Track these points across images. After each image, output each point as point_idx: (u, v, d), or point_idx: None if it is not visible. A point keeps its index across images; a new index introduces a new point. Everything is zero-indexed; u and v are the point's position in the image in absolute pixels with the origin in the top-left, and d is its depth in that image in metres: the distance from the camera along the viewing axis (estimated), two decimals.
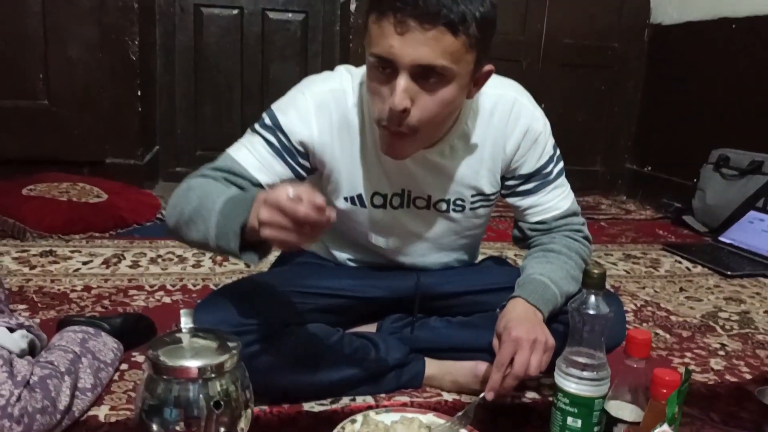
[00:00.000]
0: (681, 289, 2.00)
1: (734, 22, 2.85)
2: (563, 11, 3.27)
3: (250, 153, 1.08)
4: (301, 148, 1.09)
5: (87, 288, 1.68)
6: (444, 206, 1.18)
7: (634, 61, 3.42)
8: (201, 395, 0.79)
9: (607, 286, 1.96)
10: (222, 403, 0.78)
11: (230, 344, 0.84)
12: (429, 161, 1.11)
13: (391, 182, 1.14)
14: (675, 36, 3.23)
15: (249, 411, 0.87)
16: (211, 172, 1.06)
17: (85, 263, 1.88)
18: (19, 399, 0.93)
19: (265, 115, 1.11)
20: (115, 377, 1.21)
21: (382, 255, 1.25)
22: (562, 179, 1.22)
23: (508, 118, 1.13)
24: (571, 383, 1.01)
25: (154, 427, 0.80)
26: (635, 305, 1.83)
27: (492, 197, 1.21)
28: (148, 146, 2.97)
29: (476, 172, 1.15)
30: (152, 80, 3.02)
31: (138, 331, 1.36)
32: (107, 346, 1.23)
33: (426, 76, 0.92)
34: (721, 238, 2.48)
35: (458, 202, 1.18)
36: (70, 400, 1.03)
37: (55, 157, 2.58)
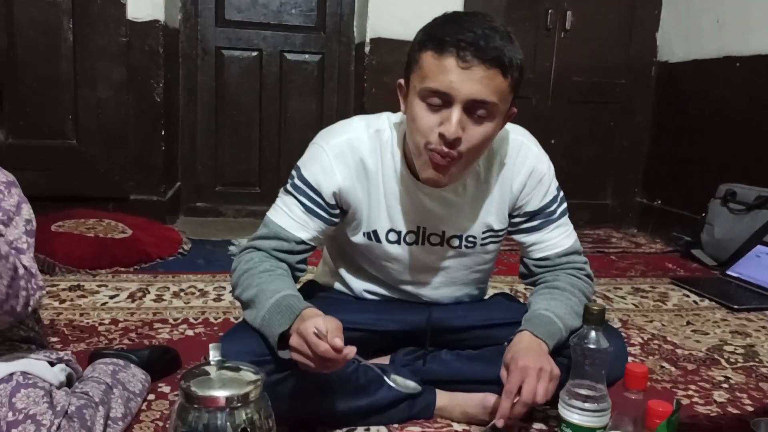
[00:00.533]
0: (688, 323, 2.05)
1: (738, 61, 2.93)
2: (571, 49, 3.37)
3: (288, 216, 1.20)
4: (331, 201, 1.20)
5: (114, 321, 1.77)
6: (456, 242, 1.26)
7: (641, 97, 3.50)
8: (228, 423, 0.86)
9: (616, 320, 2.02)
10: (248, 430, 0.85)
11: (255, 376, 0.91)
12: (444, 198, 1.21)
13: (407, 220, 1.23)
14: (681, 73, 3.31)
15: None
16: (262, 244, 1.20)
17: (111, 297, 1.97)
18: (59, 428, 1.01)
19: (294, 174, 1.22)
20: (143, 407, 1.28)
21: (397, 288, 1.33)
22: (565, 219, 1.30)
23: (515, 160, 1.23)
24: (573, 414, 1.07)
25: None
26: (642, 338, 1.88)
27: (501, 233, 1.30)
28: (171, 182, 3.08)
29: (486, 210, 1.25)
30: (175, 119, 3.15)
31: (164, 362, 1.44)
32: (136, 377, 1.31)
33: (476, 109, 1.05)
34: (729, 272, 2.53)
35: (470, 239, 1.27)
36: (103, 429, 1.10)
37: (81, 194, 2.70)
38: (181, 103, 3.21)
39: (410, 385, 1.14)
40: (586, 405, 1.06)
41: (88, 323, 1.74)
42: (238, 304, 1.93)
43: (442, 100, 1.04)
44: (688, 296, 2.34)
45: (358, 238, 1.25)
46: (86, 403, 1.10)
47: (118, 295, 1.99)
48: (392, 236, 1.24)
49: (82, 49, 2.69)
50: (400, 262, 1.27)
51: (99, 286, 2.06)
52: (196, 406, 0.86)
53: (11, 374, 1.05)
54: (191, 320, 1.81)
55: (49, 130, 2.69)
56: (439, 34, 1.04)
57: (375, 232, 1.24)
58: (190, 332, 1.73)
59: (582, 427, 1.06)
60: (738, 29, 2.94)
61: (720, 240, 2.78)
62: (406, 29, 3.16)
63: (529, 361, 1.07)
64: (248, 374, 0.91)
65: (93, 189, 2.72)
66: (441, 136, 1.05)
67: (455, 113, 1.04)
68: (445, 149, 1.06)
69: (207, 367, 0.92)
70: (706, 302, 2.28)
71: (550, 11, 3.30)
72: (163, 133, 2.87)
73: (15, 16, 2.63)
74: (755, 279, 2.40)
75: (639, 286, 2.45)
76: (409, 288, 1.32)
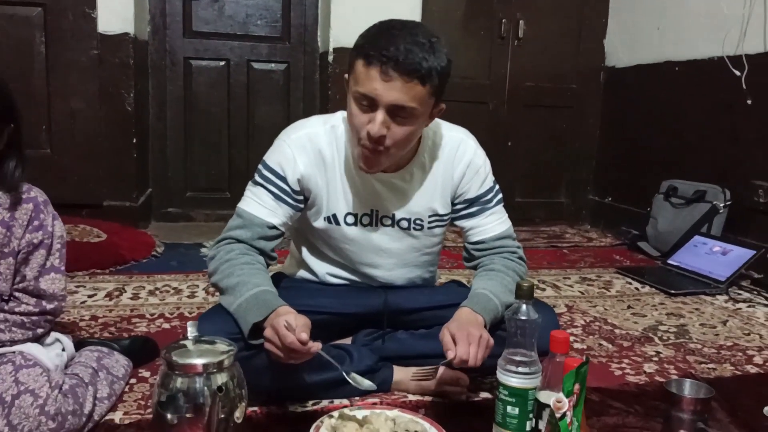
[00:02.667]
0: (628, 307, 2.23)
1: (677, 65, 3.15)
2: (525, 56, 3.57)
3: (259, 205, 1.35)
4: (296, 187, 1.35)
5: (94, 317, 1.88)
6: (405, 224, 1.43)
7: (591, 101, 3.71)
8: (205, 387, 1.00)
9: (562, 306, 2.20)
10: (223, 388, 0.99)
11: (228, 347, 1.05)
12: (393, 185, 1.39)
13: (361, 203, 1.39)
14: (627, 78, 3.53)
15: (243, 405, 1.07)
16: (240, 235, 1.33)
17: (90, 296, 2.08)
18: (55, 401, 1.14)
19: (261, 168, 1.37)
20: (126, 389, 1.41)
21: (356, 270, 1.48)
22: (500, 208, 1.47)
23: (456, 154, 1.42)
24: (509, 378, 1.23)
25: (168, 415, 1.01)
26: (585, 321, 2.05)
27: (445, 218, 1.47)
28: (142, 189, 3.18)
29: (431, 196, 1.42)
30: (146, 128, 3.25)
31: (144, 351, 1.56)
32: (119, 363, 1.43)
33: (398, 112, 1.21)
34: (669, 261, 2.73)
35: (417, 221, 1.43)
36: (92, 406, 1.23)
37: (56, 202, 2.73)
38: (151, 113, 3.32)
39: (366, 383, 1.29)
40: (520, 369, 1.21)
41: (69, 320, 1.85)
42: (211, 299, 2.09)
43: (369, 103, 1.21)
44: (630, 284, 2.53)
45: (320, 223, 1.40)
46: (78, 383, 1.23)
47: (95, 294, 2.10)
48: (350, 219, 1.40)
49: (54, 63, 2.79)
50: (357, 244, 1.42)
51: (77, 286, 2.17)
52: (177, 372, 1.00)
53: (13, 353, 1.18)
54: (167, 315, 1.94)
55: (25, 141, 2.77)
56: (368, 47, 1.19)
57: (334, 216, 1.39)
58: (166, 325, 1.85)
59: (516, 388, 1.22)
60: (676, 36, 3.16)
61: (662, 232, 2.99)
62: None
63: (458, 328, 1.24)
64: (222, 346, 1.05)
65: (67, 196, 2.79)
66: (369, 136, 1.22)
67: (379, 116, 1.20)
68: (371, 145, 1.23)
69: (185, 341, 1.06)
70: (647, 288, 2.47)
71: (504, 21, 3.49)
72: (134, 141, 2.98)
73: None
74: (692, 266, 2.61)
75: (586, 275, 2.64)
76: (366, 270, 1.47)
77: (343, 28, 3.15)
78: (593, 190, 3.80)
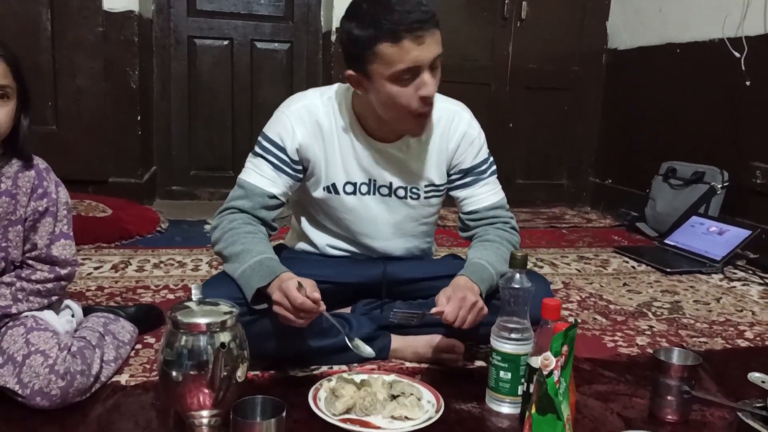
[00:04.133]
0: (624, 284, 2.27)
1: (678, 47, 3.16)
2: (527, 38, 3.58)
3: (259, 175, 1.38)
4: (295, 157, 1.39)
5: (100, 288, 1.93)
6: (402, 193, 1.46)
7: (593, 83, 3.72)
8: (209, 345, 1.04)
9: (559, 282, 2.23)
10: (226, 345, 1.03)
11: (231, 308, 1.09)
12: (390, 155, 1.42)
13: (359, 172, 1.43)
14: (628, 60, 3.54)
15: (245, 365, 1.11)
16: (242, 205, 1.37)
17: (96, 268, 2.13)
18: (64, 361, 1.18)
19: (260, 139, 1.41)
20: (132, 354, 1.45)
21: (355, 240, 1.51)
22: (494, 179, 1.51)
23: (451, 126, 1.45)
24: (502, 344, 1.27)
25: (173, 372, 1.05)
26: (580, 296, 2.09)
27: (441, 188, 1.50)
28: (147, 167, 3.22)
29: (427, 166, 1.46)
30: (150, 106, 3.29)
31: (149, 318, 1.61)
32: (125, 328, 1.48)
33: (435, 64, 1.26)
34: (667, 241, 2.76)
35: (414, 190, 1.47)
36: (99, 368, 1.27)
37: (62, 177, 2.77)
38: (155, 91, 3.35)
39: (367, 350, 1.34)
40: (512, 336, 1.26)
41: (76, 289, 1.89)
42: (215, 272, 2.13)
43: (412, 73, 1.24)
44: (627, 262, 2.57)
45: (319, 193, 1.44)
46: (85, 345, 1.28)
47: (101, 267, 2.14)
48: (348, 188, 1.43)
49: (60, 40, 2.82)
50: (355, 213, 1.46)
51: (83, 259, 2.21)
52: (181, 331, 1.04)
53: (25, 316, 1.24)
54: (171, 286, 1.98)
55: (31, 117, 2.80)
56: (388, 26, 1.20)
57: (333, 185, 1.43)
58: (171, 296, 1.90)
59: (509, 354, 1.26)
60: (678, 18, 3.17)
61: (661, 213, 3.02)
62: None
63: (457, 292, 1.28)
64: (225, 307, 1.09)
65: (73, 172, 2.82)
66: (423, 99, 1.27)
67: (427, 76, 1.25)
68: (428, 107, 1.29)
69: (189, 303, 1.10)
70: (643, 267, 2.51)
71: (506, 2, 3.49)
72: (138, 119, 3.01)
73: None
74: (689, 246, 2.64)
75: (584, 254, 2.67)
76: (365, 240, 1.50)
77: (346, 7, 3.15)
78: (593, 172, 3.83)
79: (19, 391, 1.16)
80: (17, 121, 1.28)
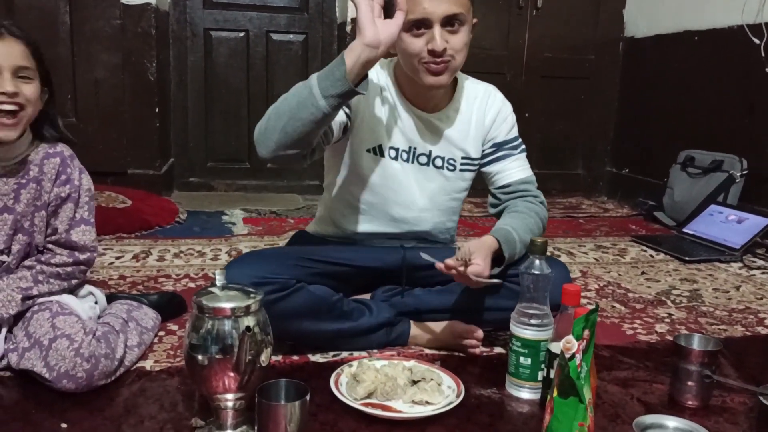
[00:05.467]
0: (642, 273, 2.26)
1: (696, 35, 3.13)
2: (543, 27, 3.56)
3: None
4: None
5: (122, 277, 1.96)
6: (440, 162, 1.50)
7: (609, 72, 3.70)
8: (233, 329, 1.05)
9: (576, 271, 2.23)
10: (251, 329, 1.04)
11: (255, 293, 1.10)
12: (431, 124, 1.47)
13: (402, 138, 1.46)
14: (645, 48, 3.51)
15: (269, 349, 1.13)
16: None
17: (117, 258, 2.15)
18: (89, 345, 1.21)
19: None
20: (156, 340, 1.48)
21: (388, 212, 1.50)
22: (524, 156, 1.56)
23: (487, 101, 1.52)
24: (523, 330, 1.28)
25: (199, 356, 1.06)
26: (599, 285, 2.09)
27: (475, 162, 1.54)
28: (165, 158, 3.25)
29: (464, 138, 1.51)
30: (167, 98, 3.31)
31: (172, 306, 1.63)
32: (148, 315, 1.50)
33: (451, 23, 1.31)
34: (685, 230, 2.75)
35: (451, 161, 1.51)
36: (123, 352, 1.30)
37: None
38: (172, 83, 3.37)
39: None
40: (532, 322, 1.27)
41: (98, 278, 1.92)
42: (234, 258, 2.14)
43: (423, 26, 1.29)
44: (645, 251, 2.56)
45: (363, 157, 1.45)
46: (109, 330, 1.30)
47: (123, 257, 2.17)
48: (392, 153, 1.46)
49: (79, 33, 2.85)
50: (395, 179, 1.48)
51: (105, 249, 2.24)
52: (206, 315, 1.06)
53: (50, 301, 1.27)
54: (192, 275, 2.00)
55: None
56: None
57: (380, 147, 1.45)
58: (191, 285, 1.92)
59: (529, 340, 1.27)
60: (696, 5, 3.14)
61: (679, 202, 3.01)
62: None
63: (477, 249, 1.32)
64: (249, 292, 1.11)
65: (93, 164, 2.79)
66: (431, 52, 1.30)
67: (436, 30, 1.29)
68: (438, 59, 1.31)
69: (214, 288, 1.12)
70: (662, 256, 2.50)
71: None
72: (156, 111, 3.04)
73: (14, 2, 2.78)
74: (708, 235, 2.62)
75: (601, 243, 2.67)
76: (398, 210, 1.50)
77: None
78: (610, 161, 3.81)
79: (46, 375, 1.18)
80: (43, 106, 1.32)
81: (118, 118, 2.95)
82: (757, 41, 2.71)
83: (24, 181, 1.32)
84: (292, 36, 3.48)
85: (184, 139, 3.47)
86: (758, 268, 2.37)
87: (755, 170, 2.75)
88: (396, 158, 1.47)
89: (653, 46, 3.44)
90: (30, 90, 1.26)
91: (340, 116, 1.37)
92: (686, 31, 3.19)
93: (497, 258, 1.38)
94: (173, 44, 3.34)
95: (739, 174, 2.77)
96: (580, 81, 3.70)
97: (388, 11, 1.25)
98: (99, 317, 1.42)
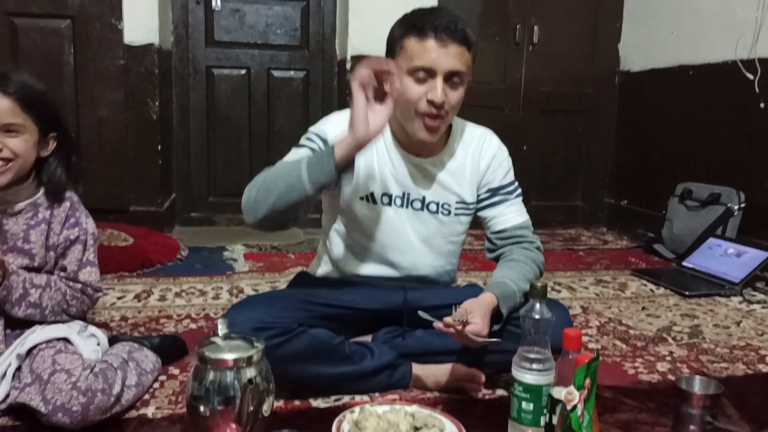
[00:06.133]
0: (643, 308, 2.27)
1: (691, 69, 3.18)
2: (540, 61, 3.61)
3: (296, 155, 1.41)
4: None
5: (124, 318, 1.96)
6: (434, 207, 1.52)
7: (606, 105, 3.75)
8: (235, 380, 1.06)
9: (577, 307, 2.24)
10: (254, 381, 1.05)
11: (257, 343, 1.11)
12: (425, 169, 1.49)
13: (395, 184, 1.48)
14: (642, 82, 3.56)
15: (271, 398, 1.13)
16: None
17: (119, 298, 2.16)
18: (86, 379, 1.23)
19: (304, 135, 1.47)
20: (157, 385, 1.48)
21: (385, 257, 1.52)
22: (519, 201, 1.57)
23: (482, 146, 1.55)
24: (524, 374, 1.28)
25: (201, 407, 1.07)
26: (600, 322, 2.09)
27: (471, 206, 1.55)
28: (167, 194, 3.27)
29: (459, 183, 1.52)
30: (170, 135, 3.34)
31: (173, 349, 1.64)
32: (148, 358, 1.50)
33: (452, 78, 1.36)
34: (685, 263, 2.76)
35: (445, 206, 1.52)
36: (120, 389, 1.30)
37: (84, 206, 2.88)
38: (175, 120, 3.41)
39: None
40: (534, 366, 1.27)
41: (100, 320, 1.93)
42: (236, 300, 2.15)
43: (427, 74, 1.33)
44: (645, 285, 2.57)
45: (357, 204, 1.48)
46: (107, 367, 1.32)
47: (125, 296, 2.18)
48: (385, 199, 1.49)
49: (83, 73, 2.89)
50: (390, 225, 1.50)
51: (107, 288, 2.24)
52: (209, 366, 1.07)
53: (57, 339, 1.33)
54: (193, 315, 2.01)
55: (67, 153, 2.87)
56: (419, 23, 1.33)
57: (372, 195, 1.47)
58: (193, 326, 1.92)
59: (531, 384, 1.27)
60: (690, 40, 3.19)
61: (678, 234, 3.02)
62: (384, 46, 3.41)
63: (476, 308, 1.32)
64: (251, 342, 1.12)
65: (95, 201, 2.84)
66: (430, 102, 1.34)
67: (439, 82, 1.33)
68: (434, 111, 1.35)
69: (216, 338, 1.13)
70: (662, 290, 2.51)
71: (518, 26, 3.54)
72: (159, 148, 3.07)
73: (19, 43, 2.83)
74: (707, 268, 2.63)
75: (601, 277, 2.67)
76: (395, 256, 1.52)
77: (361, 35, 3.22)
78: (609, 193, 3.83)
79: (42, 408, 1.20)
80: (48, 155, 1.41)
81: (121, 155, 2.99)
82: (751, 77, 2.75)
83: (33, 222, 1.40)
84: (293, 73, 3.53)
85: (186, 174, 3.50)
86: (758, 302, 2.37)
87: (753, 203, 2.77)
88: (389, 204, 1.49)
89: (649, 80, 3.49)
90: (16, 143, 1.32)
91: None
92: (681, 65, 3.23)
93: (496, 313, 1.38)
94: (176, 82, 3.39)
95: (737, 207, 2.79)
96: (577, 114, 3.75)
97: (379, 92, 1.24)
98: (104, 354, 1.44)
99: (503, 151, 1.57)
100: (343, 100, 3.35)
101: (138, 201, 3.05)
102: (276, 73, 3.51)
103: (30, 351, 1.33)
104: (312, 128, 1.48)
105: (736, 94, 2.86)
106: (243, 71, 3.47)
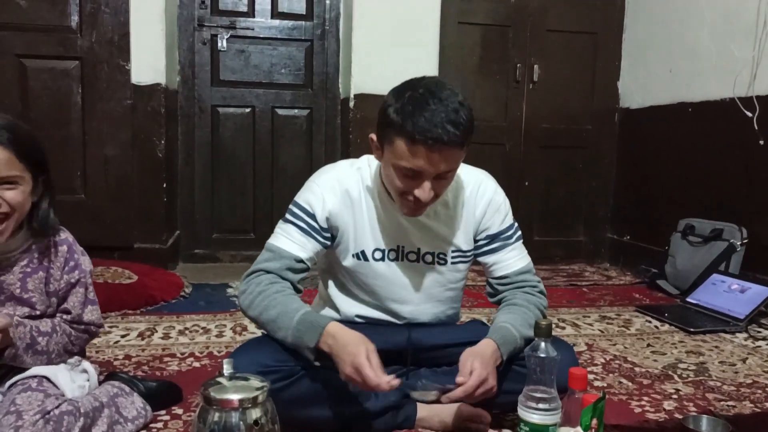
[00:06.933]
0: (648, 345, 2.26)
1: (690, 106, 3.22)
2: (540, 99, 3.66)
3: (288, 240, 1.43)
4: (324, 225, 1.44)
5: (128, 357, 1.96)
6: (430, 258, 1.50)
7: (607, 141, 3.78)
8: (241, 421, 1.06)
9: (582, 344, 2.23)
10: (259, 422, 1.05)
11: (262, 383, 1.11)
12: (418, 221, 1.47)
13: (388, 239, 1.48)
14: (641, 119, 3.60)
15: None
16: (269, 266, 1.41)
17: (123, 336, 2.16)
18: (33, 425, 1.19)
19: (291, 207, 1.47)
20: (160, 425, 1.47)
21: (384, 307, 1.54)
22: (520, 244, 1.55)
23: (477, 192, 1.51)
24: (530, 414, 1.27)
25: None
26: (605, 359, 2.08)
27: (468, 254, 1.54)
28: (171, 231, 3.29)
29: (454, 232, 1.51)
30: (175, 173, 3.38)
31: (168, 395, 1.60)
32: (134, 404, 1.45)
33: (443, 175, 1.32)
34: (689, 299, 2.75)
35: (441, 256, 1.51)
36: None
37: (89, 244, 2.85)
38: (180, 158, 3.45)
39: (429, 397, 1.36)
40: (540, 405, 1.26)
41: (104, 359, 1.92)
42: (239, 338, 2.15)
43: (414, 175, 1.30)
44: (650, 322, 2.56)
45: (349, 261, 1.48)
46: (71, 411, 1.25)
47: (128, 335, 2.18)
48: (377, 254, 1.48)
49: (90, 112, 2.94)
50: (385, 279, 1.50)
51: (110, 327, 2.25)
52: (214, 407, 1.06)
53: (34, 377, 1.30)
54: (197, 354, 2.00)
55: (60, 186, 2.86)
56: (410, 128, 1.25)
57: (363, 252, 1.47)
58: (196, 364, 1.92)
59: (537, 424, 1.26)
60: (688, 78, 3.24)
61: (681, 270, 3.02)
62: (387, 85, 3.39)
63: (482, 367, 1.30)
64: (256, 382, 1.12)
65: (100, 239, 2.92)
66: (416, 198, 1.31)
67: (427, 185, 1.30)
68: (420, 204, 1.33)
69: (221, 378, 1.13)
70: (666, 327, 2.49)
71: (518, 65, 3.60)
72: (164, 185, 3.10)
73: (29, 84, 2.89)
74: (711, 305, 2.62)
75: (606, 314, 2.67)
76: (394, 306, 1.53)
77: (364, 75, 3.27)
78: (611, 228, 3.84)
79: None
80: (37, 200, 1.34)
81: (126, 193, 3.02)
82: (749, 114, 2.78)
83: (29, 269, 1.36)
84: (296, 111, 3.58)
85: (190, 211, 3.52)
86: (764, 338, 2.36)
87: (755, 239, 2.77)
88: (382, 259, 1.48)
89: (648, 116, 3.53)
90: (13, 195, 1.26)
91: (317, 247, 1.45)
92: (680, 102, 3.27)
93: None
94: (181, 120, 3.44)
95: (739, 243, 2.79)
96: (578, 150, 3.78)
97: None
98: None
99: (499, 195, 1.53)
100: (347, 138, 3.40)
101: (142, 238, 3.07)
102: (280, 112, 3.56)
103: (12, 386, 1.30)
104: (299, 199, 1.46)
105: (735, 131, 2.89)
106: (248, 110, 3.52)
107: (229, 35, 3.44)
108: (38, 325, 1.34)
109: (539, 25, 3.62)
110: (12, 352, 1.29)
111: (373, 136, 1.38)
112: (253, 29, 3.48)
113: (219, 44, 3.43)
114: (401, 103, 1.28)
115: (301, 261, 1.42)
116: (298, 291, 1.44)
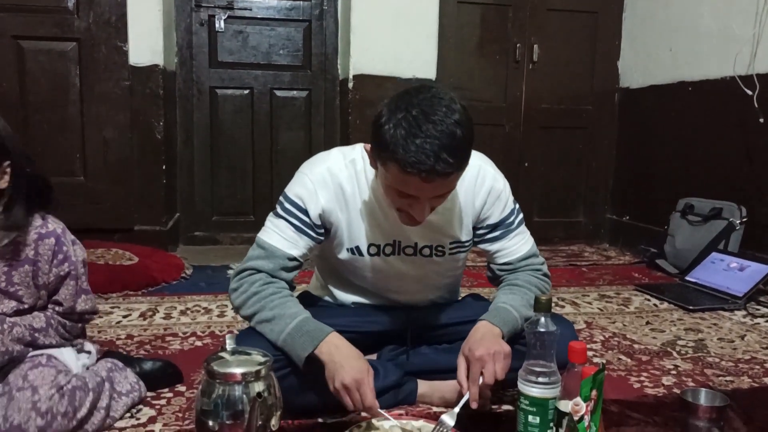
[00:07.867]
0: (647, 323, 2.27)
1: (690, 85, 3.21)
2: (540, 79, 3.65)
3: (280, 237, 1.38)
4: (317, 221, 1.39)
5: (130, 336, 1.97)
6: (428, 251, 1.47)
7: (606, 121, 3.77)
8: (244, 394, 1.07)
9: (581, 322, 2.24)
10: (262, 395, 1.06)
11: (264, 358, 1.12)
12: None
13: (383, 235, 1.43)
14: (641, 98, 3.59)
15: (279, 413, 1.14)
16: (261, 266, 1.38)
17: (125, 317, 2.17)
18: (49, 399, 1.21)
19: (282, 200, 1.40)
20: (163, 402, 1.48)
21: (381, 296, 1.54)
22: (523, 227, 1.52)
23: (476, 181, 1.43)
24: (530, 388, 1.28)
25: (210, 422, 1.08)
26: (604, 336, 2.10)
27: (467, 244, 1.51)
28: (171, 214, 3.29)
29: (452, 224, 1.45)
30: (174, 155, 3.37)
31: (165, 376, 1.60)
32: (127, 379, 1.46)
33: (440, 196, 1.25)
34: (688, 278, 2.76)
35: (439, 248, 1.47)
36: (87, 413, 1.28)
37: (90, 227, 2.89)
38: (179, 140, 3.44)
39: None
40: (540, 380, 1.27)
41: (106, 338, 1.93)
42: (240, 318, 2.16)
43: (409, 195, 1.22)
44: (649, 300, 2.57)
45: (344, 255, 1.45)
46: (81, 386, 1.28)
47: (130, 315, 2.19)
48: (373, 250, 1.44)
49: (88, 94, 2.93)
50: (382, 272, 1.48)
51: (112, 307, 2.26)
52: (217, 381, 1.07)
53: (42, 354, 1.30)
54: (199, 333, 2.02)
55: (59, 169, 2.90)
56: (401, 157, 1.14)
57: (358, 248, 1.44)
58: (198, 343, 1.93)
59: (537, 398, 1.27)
60: (689, 57, 3.22)
61: (680, 250, 3.03)
62: (386, 66, 3.47)
63: (483, 349, 1.29)
64: (258, 357, 1.13)
65: (100, 221, 2.93)
66: (411, 216, 1.26)
67: (422, 205, 1.23)
68: (416, 221, 1.28)
69: (224, 353, 1.14)
70: (666, 305, 2.51)
71: (518, 45, 3.58)
72: (163, 168, 3.10)
73: (26, 66, 2.87)
74: (710, 283, 2.64)
75: (605, 293, 2.68)
76: (391, 295, 1.53)
77: (363, 55, 3.25)
78: (611, 208, 3.84)
79: (0, 425, 1.18)
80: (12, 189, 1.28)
81: (126, 176, 3.01)
82: (749, 92, 2.77)
83: (15, 262, 1.30)
84: (295, 92, 3.57)
85: (190, 194, 3.52)
86: (762, 316, 2.38)
87: (754, 217, 2.78)
88: (377, 254, 1.44)
89: (649, 96, 3.52)
90: None
91: (310, 244, 1.40)
92: (680, 81, 3.26)
93: None
94: (180, 102, 3.43)
95: (738, 221, 2.80)
96: (578, 131, 3.77)
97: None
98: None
99: (499, 182, 1.44)
100: (346, 120, 3.39)
101: (142, 220, 3.07)
102: (279, 93, 3.55)
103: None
104: (290, 193, 1.39)
105: (735, 110, 2.89)
106: (246, 91, 3.51)
107: (226, 16, 3.42)
108: (32, 323, 1.32)
109: (539, 4, 3.59)
110: (10, 354, 1.28)
111: (368, 147, 1.29)
112: (250, 9, 3.46)
113: (216, 25, 3.41)
114: (393, 124, 1.16)
115: (294, 259, 1.38)
116: (291, 288, 1.42)
